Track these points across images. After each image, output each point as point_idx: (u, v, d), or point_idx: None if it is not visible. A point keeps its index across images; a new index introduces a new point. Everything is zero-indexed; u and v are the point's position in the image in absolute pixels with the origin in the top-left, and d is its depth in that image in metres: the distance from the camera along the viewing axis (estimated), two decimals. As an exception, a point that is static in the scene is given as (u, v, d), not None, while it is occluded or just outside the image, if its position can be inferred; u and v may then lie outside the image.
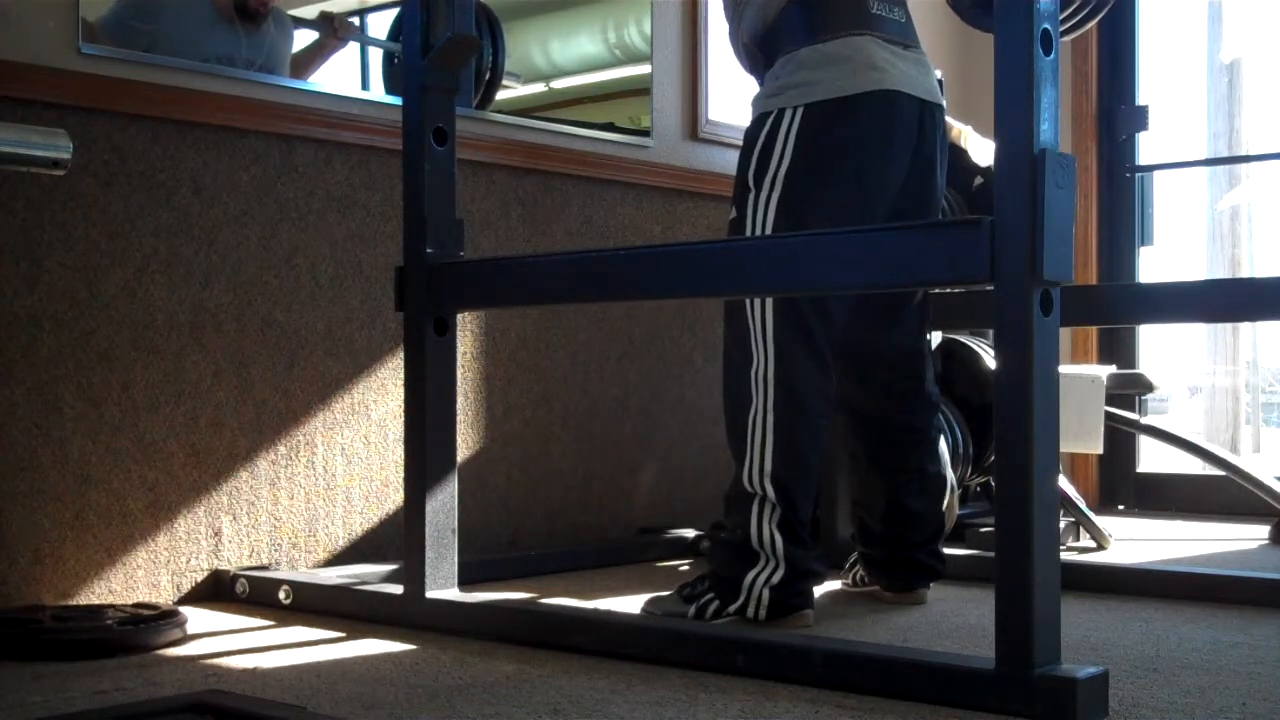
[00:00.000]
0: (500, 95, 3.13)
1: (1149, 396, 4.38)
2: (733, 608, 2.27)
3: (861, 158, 2.32)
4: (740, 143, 2.41)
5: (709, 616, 2.27)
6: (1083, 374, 3.30)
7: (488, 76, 3.10)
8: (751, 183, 2.33)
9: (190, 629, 2.19)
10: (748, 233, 2.31)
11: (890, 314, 2.48)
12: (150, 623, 2.12)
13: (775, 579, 2.24)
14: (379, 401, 2.80)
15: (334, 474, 2.73)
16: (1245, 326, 6.19)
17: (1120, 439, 4.01)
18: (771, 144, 2.31)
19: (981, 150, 3.22)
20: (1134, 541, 3.47)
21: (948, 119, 3.32)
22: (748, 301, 2.31)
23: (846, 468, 2.64)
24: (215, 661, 2.00)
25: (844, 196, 2.30)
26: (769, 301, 2.29)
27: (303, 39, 2.79)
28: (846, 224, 2.24)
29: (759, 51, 2.43)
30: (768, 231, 2.29)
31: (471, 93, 3.05)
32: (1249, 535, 3.56)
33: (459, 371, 2.54)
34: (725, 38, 2.55)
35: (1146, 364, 4.33)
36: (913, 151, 2.37)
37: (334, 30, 2.83)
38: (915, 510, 2.49)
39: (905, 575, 2.51)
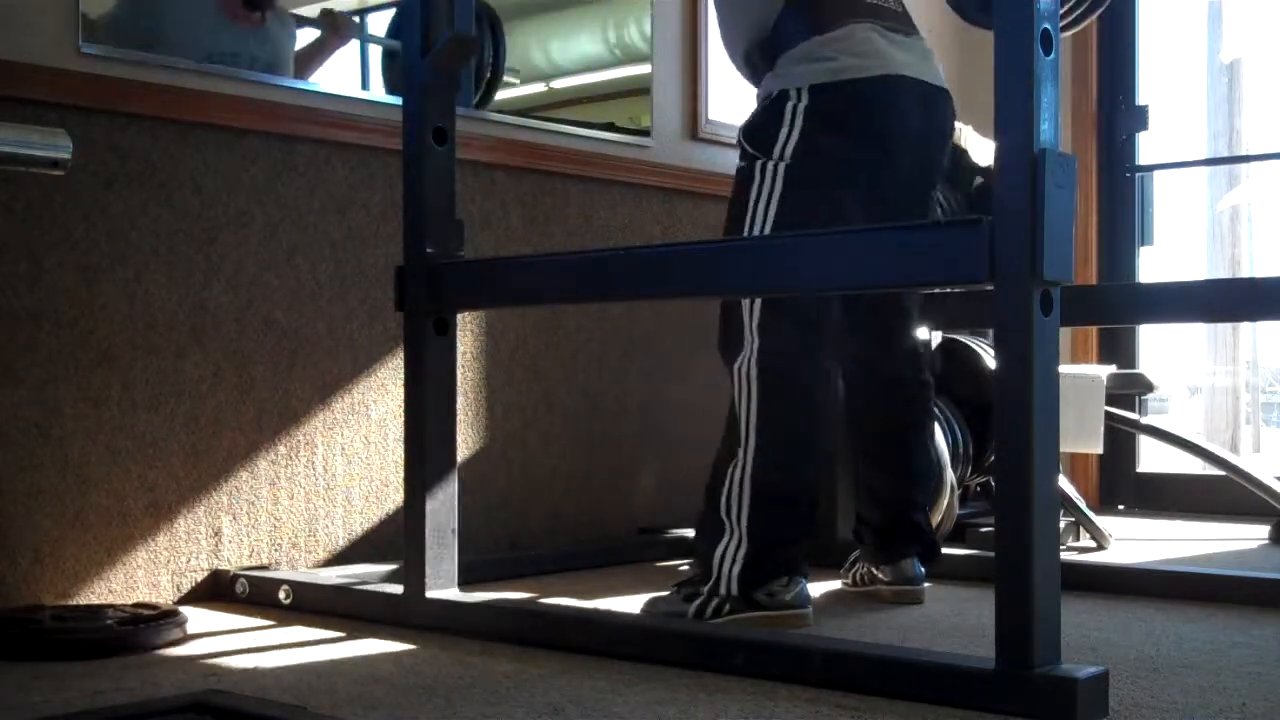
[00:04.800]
0: (500, 95, 3.13)
1: (1149, 396, 4.38)
2: (706, 587, 2.28)
3: (864, 142, 2.34)
4: None
5: (709, 616, 2.27)
6: (1083, 374, 3.30)
7: (488, 75, 3.10)
8: (757, 149, 2.34)
9: (190, 629, 2.19)
10: (752, 198, 2.32)
11: (896, 314, 2.51)
12: (150, 623, 2.11)
13: (741, 554, 2.26)
14: (379, 401, 2.79)
15: (334, 474, 2.73)
16: (1245, 326, 6.20)
17: (1120, 439, 4.00)
18: (779, 116, 2.32)
19: (981, 150, 3.22)
20: (1134, 541, 3.46)
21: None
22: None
23: (854, 462, 2.68)
24: (215, 661, 2.00)
25: (847, 180, 2.34)
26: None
27: (304, 37, 2.79)
28: (852, 204, 2.27)
29: (760, 58, 2.43)
30: (774, 201, 2.30)
31: (471, 92, 3.04)
32: (1249, 535, 3.56)
33: (459, 371, 2.53)
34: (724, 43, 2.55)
35: (1146, 364, 4.32)
36: (916, 134, 2.39)
37: (335, 28, 2.83)
38: (920, 467, 2.57)
39: (900, 543, 2.54)
